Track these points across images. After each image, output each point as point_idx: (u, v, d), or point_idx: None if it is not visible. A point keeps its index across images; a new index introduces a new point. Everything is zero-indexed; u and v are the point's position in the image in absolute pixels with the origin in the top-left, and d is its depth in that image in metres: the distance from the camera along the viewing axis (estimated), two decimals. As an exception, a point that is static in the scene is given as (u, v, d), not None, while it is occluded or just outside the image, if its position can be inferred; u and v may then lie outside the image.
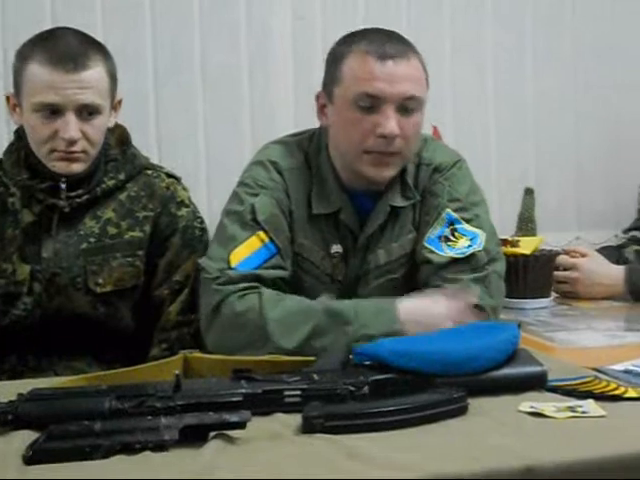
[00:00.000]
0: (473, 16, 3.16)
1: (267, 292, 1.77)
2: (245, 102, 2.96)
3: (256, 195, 1.90)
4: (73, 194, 2.02)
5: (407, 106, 1.85)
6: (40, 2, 2.80)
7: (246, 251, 1.83)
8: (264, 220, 1.87)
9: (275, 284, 1.82)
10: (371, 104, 1.84)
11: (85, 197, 2.03)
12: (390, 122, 1.82)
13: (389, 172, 1.89)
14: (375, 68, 1.83)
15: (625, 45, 3.28)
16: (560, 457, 1.17)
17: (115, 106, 2.06)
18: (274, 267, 1.85)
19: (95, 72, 1.95)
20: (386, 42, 1.86)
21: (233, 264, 1.81)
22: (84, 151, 1.97)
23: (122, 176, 2.07)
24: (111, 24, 2.81)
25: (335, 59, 1.91)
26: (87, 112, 1.95)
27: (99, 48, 2.00)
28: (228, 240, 1.85)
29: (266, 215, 1.88)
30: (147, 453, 1.20)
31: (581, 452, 1.19)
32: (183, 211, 2.12)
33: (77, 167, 1.98)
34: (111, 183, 2.06)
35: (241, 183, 1.95)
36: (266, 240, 1.85)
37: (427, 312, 1.72)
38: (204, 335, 1.80)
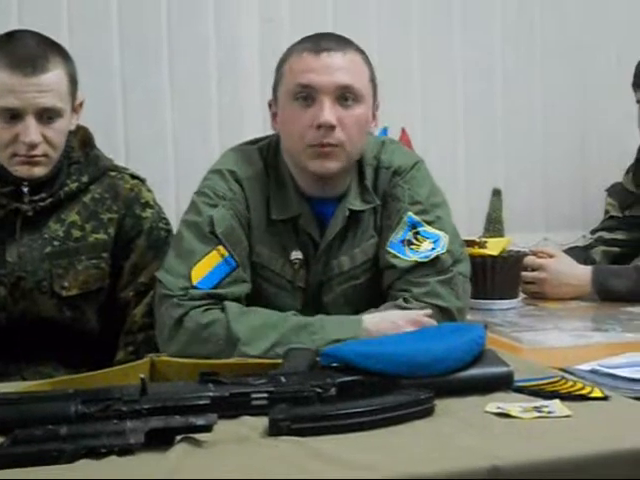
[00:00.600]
0: (442, 23, 3.17)
1: (231, 305, 1.78)
2: (213, 107, 2.95)
3: (215, 206, 1.89)
4: (36, 198, 2.00)
5: (345, 97, 1.85)
6: (6, 6, 2.78)
7: (206, 267, 1.82)
8: (222, 233, 1.86)
9: (237, 300, 1.82)
10: (308, 96, 1.84)
11: (48, 201, 2.02)
12: (324, 112, 1.82)
13: (332, 164, 1.87)
14: (310, 61, 1.85)
15: (594, 51, 3.31)
16: (526, 457, 1.18)
17: (76, 108, 2.04)
18: (235, 282, 1.84)
19: (54, 75, 1.94)
20: (323, 38, 1.88)
21: (194, 281, 1.80)
22: (45, 155, 1.96)
23: (85, 179, 2.06)
24: (78, 29, 2.80)
25: (279, 65, 1.93)
26: (47, 116, 1.94)
27: (58, 50, 1.99)
28: (187, 254, 1.84)
29: (224, 228, 1.87)
30: (113, 457, 1.19)
31: (547, 452, 1.20)
32: (148, 212, 2.11)
33: (39, 171, 1.97)
34: (74, 186, 2.04)
35: (200, 192, 1.93)
36: (225, 254, 1.84)
37: (391, 319, 1.74)
38: (164, 348, 1.79)
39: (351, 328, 1.73)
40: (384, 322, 1.74)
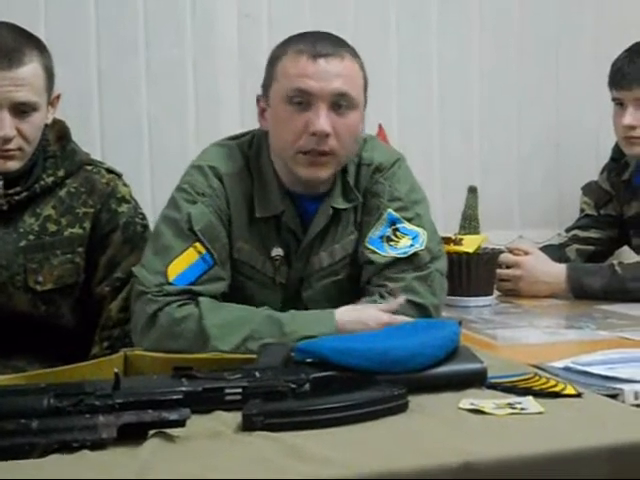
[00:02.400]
0: (419, 20, 3.17)
1: (205, 300, 1.78)
2: (190, 98, 2.94)
3: (194, 203, 1.88)
4: (11, 191, 1.99)
5: (340, 104, 1.84)
6: (-19, -2, 2.76)
7: (183, 264, 1.82)
8: (200, 230, 1.85)
9: (213, 298, 1.82)
10: (303, 101, 1.83)
11: (24, 194, 2.00)
12: (321, 119, 1.81)
13: (323, 173, 1.87)
14: (307, 65, 1.83)
15: (568, 54, 3.32)
16: (498, 453, 1.18)
17: (53, 102, 2.03)
18: (211, 279, 1.84)
19: (30, 68, 1.92)
20: (320, 41, 1.86)
21: (170, 278, 1.79)
22: (20, 149, 1.94)
23: (61, 172, 2.05)
24: (54, 19, 2.78)
25: (271, 60, 1.92)
26: (22, 110, 1.92)
27: (35, 43, 1.97)
28: (164, 250, 1.84)
29: (202, 225, 1.86)
30: (85, 452, 1.19)
31: (519, 448, 1.20)
32: (124, 207, 2.10)
33: (13, 165, 1.95)
34: (50, 180, 2.03)
35: (179, 188, 1.92)
36: (203, 251, 1.84)
37: (363, 320, 1.74)
38: (138, 343, 1.78)
39: (323, 324, 1.73)
40: (356, 324, 1.74)
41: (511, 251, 2.61)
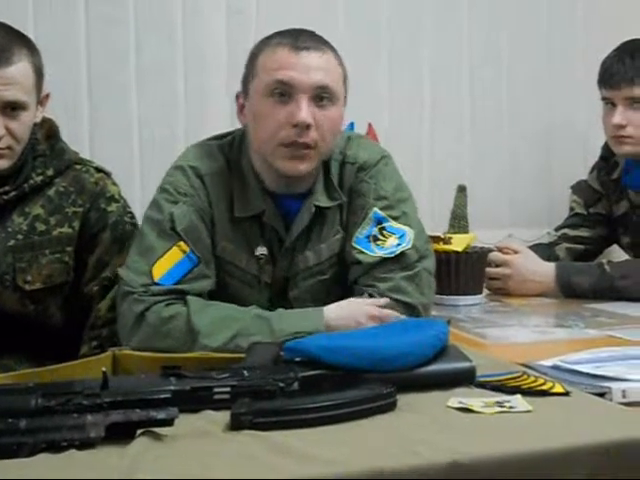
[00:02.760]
0: (410, 19, 3.17)
1: (193, 299, 1.78)
2: (180, 99, 2.93)
3: (175, 203, 1.88)
4: (0, 191, 1.99)
5: (321, 97, 1.84)
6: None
7: (168, 263, 1.82)
8: (183, 229, 1.85)
9: (199, 296, 1.82)
10: (284, 93, 1.83)
11: (12, 194, 2.00)
12: (302, 111, 1.81)
13: (304, 166, 1.87)
14: (288, 57, 1.84)
15: (559, 49, 3.32)
16: (486, 452, 1.18)
17: (42, 101, 2.03)
18: (197, 277, 1.84)
19: (20, 67, 1.92)
20: (301, 36, 1.87)
21: (156, 278, 1.80)
22: (9, 147, 1.94)
23: (50, 172, 2.05)
24: (43, 19, 2.77)
25: (251, 57, 1.92)
26: (11, 108, 1.92)
27: (25, 42, 1.97)
28: (147, 251, 1.84)
29: (185, 224, 1.86)
30: (73, 451, 1.19)
31: (507, 447, 1.20)
32: (113, 206, 2.10)
33: (2, 163, 1.95)
34: (39, 179, 2.03)
35: (161, 189, 1.93)
36: (187, 250, 1.84)
37: (353, 316, 1.75)
38: (126, 344, 1.78)
39: (312, 321, 1.73)
40: (345, 319, 1.74)
41: (500, 250, 2.61)
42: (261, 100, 1.87)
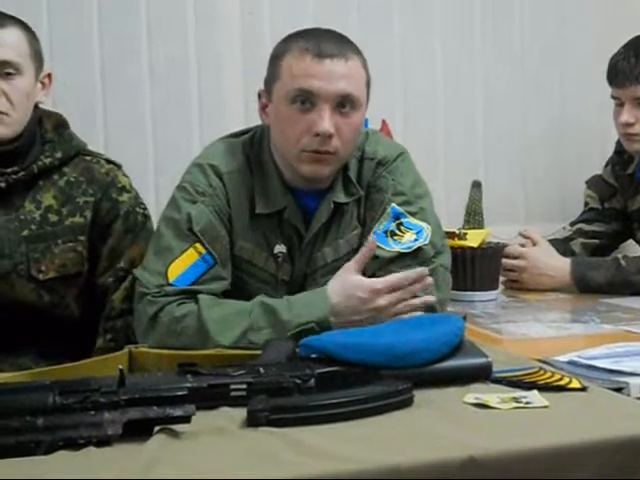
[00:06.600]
0: (424, 16, 3.16)
1: (204, 297, 1.79)
2: (193, 94, 2.93)
3: (194, 202, 1.89)
4: (9, 170, 1.99)
5: (344, 104, 1.84)
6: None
7: (183, 265, 1.83)
8: (200, 230, 1.86)
9: (214, 295, 1.83)
10: (307, 101, 1.83)
11: (21, 174, 2.01)
12: (324, 121, 1.81)
13: (325, 170, 1.87)
14: (311, 65, 1.82)
15: (572, 44, 3.31)
16: (503, 447, 1.18)
17: (43, 81, 2.05)
18: (212, 279, 1.85)
19: (13, 32, 1.97)
20: (325, 41, 1.85)
21: (171, 279, 1.81)
22: (5, 113, 1.95)
23: (59, 154, 2.06)
24: (57, 15, 2.77)
25: (275, 57, 1.91)
26: (5, 71, 1.95)
27: (19, 20, 2.01)
28: (164, 251, 1.85)
29: (202, 225, 1.86)
30: (90, 448, 1.19)
31: (524, 442, 1.20)
32: (125, 197, 2.11)
33: (0, 130, 1.96)
34: (48, 161, 2.04)
35: (180, 187, 1.93)
36: (203, 252, 1.85)
37: (355, 284, 1.76)
38: (141, 343, 1.78)
39: (318, 307, 1.74)
40: (349, 299, 1.75)
41: (522, 235, 2.61)
42: (283, 105, 1.86)
